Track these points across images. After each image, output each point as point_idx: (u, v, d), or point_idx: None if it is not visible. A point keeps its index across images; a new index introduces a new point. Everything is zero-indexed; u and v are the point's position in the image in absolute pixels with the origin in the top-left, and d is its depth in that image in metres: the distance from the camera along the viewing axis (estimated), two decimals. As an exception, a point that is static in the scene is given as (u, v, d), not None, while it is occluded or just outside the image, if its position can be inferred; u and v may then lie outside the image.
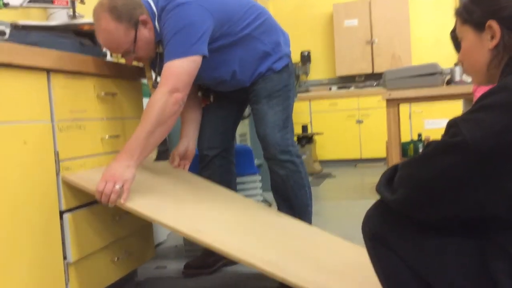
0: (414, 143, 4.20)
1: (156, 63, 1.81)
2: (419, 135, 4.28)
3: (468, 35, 1.05)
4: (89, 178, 1.51)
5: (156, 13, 1.72)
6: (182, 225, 1.46)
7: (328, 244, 1.79)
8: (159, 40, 1.73)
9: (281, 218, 1.88)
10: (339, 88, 6.18)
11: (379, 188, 1.03)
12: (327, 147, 5.82)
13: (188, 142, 2.00)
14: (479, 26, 1.01)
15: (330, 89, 6.21)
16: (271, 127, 1.89)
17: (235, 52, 1.84)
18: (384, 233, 1.04)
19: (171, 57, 1.61)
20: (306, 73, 6.31)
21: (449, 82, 3.66)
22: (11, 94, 1.29)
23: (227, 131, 2.09)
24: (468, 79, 3.81)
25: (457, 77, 3.74)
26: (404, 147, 4.18)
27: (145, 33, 1.71)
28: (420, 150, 4.16)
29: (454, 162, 0.88)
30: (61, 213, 1.45)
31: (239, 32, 1.83)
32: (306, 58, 6.22)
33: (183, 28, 1.62)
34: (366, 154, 5.76)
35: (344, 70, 6.08)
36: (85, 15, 2.00)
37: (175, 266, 2.18)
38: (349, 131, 5.80)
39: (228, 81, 1.90)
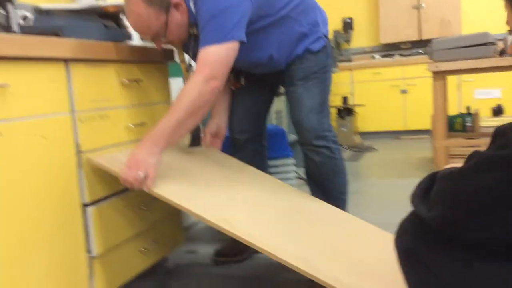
0: (462, 116, 3.97)
1: (190, 45, 1.72)
2: (468, 108, 4.04)
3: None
4: (115, 160, 1.48)
5: None
6: (210, 214, 1.41)
7: (365, 236, 1.70)
8: (194, 22, 1.64)
9: (316, 205, 1.78)
10: (383, 56, 5.92)
11: (414, 200, 0.93)
12: (369, 118, 5.63)
13: (220, 121, 1.93)
14: None
15: (373, 57, 5.95)
16: (306, 111, 1.79)
17: (272, 34, 1.74)
18: (419, 251, 0.94)
19: (208, 43, 1.51)
20: (348, 41, 6.07)
21: (502, 52, 3.40)
22: (27, 88, 1.24)
23: (259, 114, 2.00)
24: (523, 49, 3.53)
25: (512, 47, 3.47)
26: (451, 121, 3.97)
27: (177, 17, 1.61)
28: (468, 124, 3.95)
29: (501, 178, 0.76)
30: (84, 206, 1.43)
31: (277, 13, 1.72)
32: (348, 25, 5.97)
33: (220, 13, 1.52)
34: (411, 126, 5.54)
35: (388, 37, 5.79)
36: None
37: (206, 251, 2.15)
38: (393, 101, 5.57)
39: (264, 64, 1.81)
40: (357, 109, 5.36)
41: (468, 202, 0.80)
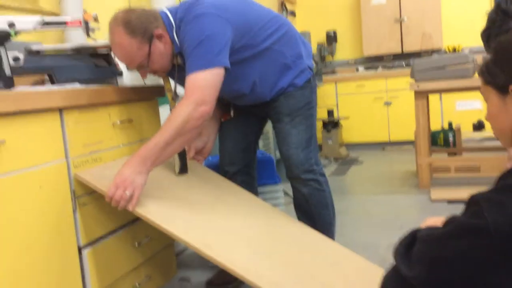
0: (444, 132, 4.07)
1: (174, 74, 1.77)
2: (450, 124, 4.14)
3: (492, 97, 0.98)
4: (101, 177, 1.50)
5: (174, 25, 1.67)
6: (192, 238, 1.44)
7: (346, 266, 1.74)
8: (178, 52, 1.69)
9: (301, 230, 1.83)
10: (366, 68, 6.01)
11: (396, 257, 0.99)
12: (353, 130, 5.71)
13: (208, 139, 1.97)
14: (502, 89, 0.95)
15: (357, 70, 6.04)
16: (294, 148, 1.85)
17: (255, 65, 1.79)
18: None
19: (194, 69, 1.56)
20: (332, 53, 6.15)
21: (482, 70, 3.51)
22: (23, 141, 1.28)
23: (248, 146, 2.05)
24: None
25: (490, 65, 3.57)
26: (433, 136, 4.07)
27: (160, 47, 1.66)
28: (450, 140, 4.05)
29: (474, 245, 0.85)
30: (80, 249, 1.46)
31: (259, 44, 1.77)
32: (332, 38, 6.05)
33: (204, 40, 1.58)
34: (394, 137, 5.63)
35: (371, 49, 5.89)
36: (100, 29, 1.96)
37: (199, 279, 2.18)
38: (377, 113, 5.66)
39: (247, 94, 1.85)
40: (342, 122, 5.45)
41: (445, 265, 0.88)
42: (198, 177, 1.86)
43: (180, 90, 1.83)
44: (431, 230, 0.95)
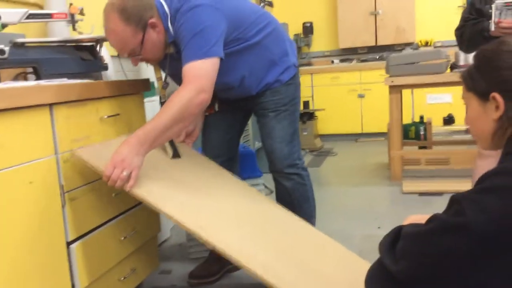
0: (416, 125, 4.20)
1: (166, 64, 1.78)
2: (421, 118, 4.27)
3: (473, 102, 1.03)
4: (98, 156, 1.52)
5: (169, 14, 1.68)
6: (186, 219, 1.47)
7: (335, 254, 1.79)
8: (172, 41, 1.70)
9: (287, 216, 1.86)
10: (342, 60, 6.11)
11: (382, 252, 1.05)
12: (328, 121, 5.81)
13: (198, 122, 2.00)
14: (483, 96, 1.00)
15: (332, 62, 6.13)
16: (278, 142, 1.90)
17: (245, 58, 1.83)
18: None
19: (192, 59, 1.59)
20: (308, 45, 6.21)
21: (453, 66, 3.62)
22: (14, 138, 1.28)
23: (232, 140, 2.09)
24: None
25: (461, 61, 3.69)
26: (405, 129, 4.18)
27: (153, 36, 1.68)
28: (421, 133, 4.17)
29: (456, 242, 0.90)
30: (68, 244, 1.48)
31: (250, 38, 1.81)
32: (308, 30, 6.10)
33: (201, 31, 1.61)
34: (367, 129, 5.76)
35: (347, 42, 5.98)
36: (86, 21, 1.95)
37: (180, 271, 2.23)
38: (351, 105, 5.77)
39: (236, 87, 1.89)
40: (317, 113, 5.53)
41: (428, 261, 0.94)
42: (189, 160, 1.87)
43: (170, 80, 1.85)
44: (415, 227, 1.01)
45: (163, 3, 1.70)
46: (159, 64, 1.84)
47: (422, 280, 0.97)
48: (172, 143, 1.82)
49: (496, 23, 2.09)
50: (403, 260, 0.97)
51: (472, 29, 2.60)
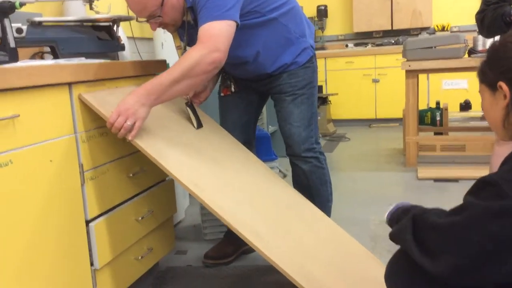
0: (432, 111, 4.15)
1: (184, 32, 1.77)
2: (437, 103, 4.22)
3: (485, 94, 1.08)
4: (105, 102, 1.51)
5: None
6: (182, 175, 1.47)
7: (338, 241, 1.78)
8: (190, 6, 1.68)
9: (285, 188, 1.86)
10: (356, 45, 6.04)
11: (410, 249, 0.98)
12: (341, 106, 5.77)
13: (209, 84, 1.97)
14: (492, 86, 1.05)
15: (346, 46, 6.06)
16: (296, 126, 1.88)
17: (260, 33, 1.80)
18: None
19: (208, 19, 1.56)
20: (322, 29, 6.15)
21: (471, 51, 3.55)
22: (35, 116, 1.28)
23: (248, 123, 2.08)
24: (491, 47, 3.69)
25: (480, 46, 3.62)
26: (421, 115, 4.14)
27: (173, 0, 1.66)
28: (437, 119, 4.12)
29: (502, 226, 0.86)
30: (87, 222, 1.49)
31: (267, 13, 1.79)
32: (322, 13, 6.03)
33: None
34: (381, 114, 5.72)
35: (361, 26, 5.90)
36: (102, 1, 1.95)
37: (195, 252, 2.24)
38: (365, 90, 5.72)
39: (250, 62, 1.86)
40: (330, 98, 5.49)
41: (477, 249, 0.88)
42: (209, 130, 1.86)
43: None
44: (446, 216, 0.95)
45: None
46: (177, 32, 1.82)
47: (469, 274, 0.90)
48: (195, 113, 1.80)
49: None
50: (445, 254, 0.91)
51: (494, 13, 2.54)
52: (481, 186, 0.92)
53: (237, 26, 1.61)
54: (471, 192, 0.94)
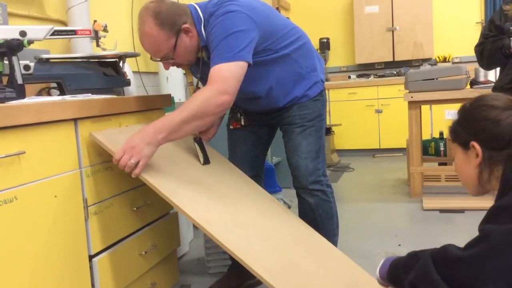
0: (435, 141, 4.15)
1: (197, 68, 1.80)
2: (441, 133, 4.22)
3: (458, 152, 1.16)
4: (114, 139, 1.53)
5: (203, 19, 1.71)
6: (194, 213, 1.47)
7: (331, 260, 1.75)
8: (204, 45, 1.72)
9: (296, 222, 1.85)
10: (358, 76, 6.10)
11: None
12: (345, 136, 5.79)
13: (215, 121, 1.97)
14: (465, 146, 1.13)
15: (349, 77, 6.12)
16: (304, 158, 1.89)
17: (274, 69, 1.83)
18: None
19: (219, 61, 1.60)
20: (325, 60, 6.22)
21: (473, 83, 3.58)
22: (41, 152, 1.30)
23: (257, 156, 2.09)
24: (492, 78, 3.73)
25: (481, 77, 3.66)
26: (424, 145, 4.14)
27: (186, 41, 1.70)
28: (441, 149, 4.12)
29: None
30: (90, 258, 1.49)
31: (280, 50, 1.82)
32: (325, 45, 6.12)
33: (232, 34, 1.61)
34: (385, 144, 5.72)
35: (363, 58, 5.97)
36: (109, 38, 1.99)
37: (199, 285, 2.21)
38: (368, 121, 5.74)
39: (263, 98, 1.89)
40: (334, 128, 5.51)
41: (508, 277, 0.87)
42: (216, 165, 1.87)
43: (201, 85, 1.85)
44: (467, 249, 0.93)
45: (197, 8, 1.72)
46: (191, 69, 1.86)
47: None
48: (203, 149, 1.82)
49: None
50: (486, 285, 0.89)
51: (492, 46, 2.58)
52: (497, 212, 0.94)
53: (249, 65, 1.64)
54: (487, 221, 0.95)
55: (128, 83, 1.93)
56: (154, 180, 1.49)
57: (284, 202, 2.98)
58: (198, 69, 1.79)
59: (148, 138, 1.48)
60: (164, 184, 1.51)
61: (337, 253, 1.83)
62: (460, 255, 0.93)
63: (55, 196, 1.34)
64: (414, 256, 1.06)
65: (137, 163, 1.45)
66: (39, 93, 1.95)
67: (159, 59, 1.71)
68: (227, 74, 1.58)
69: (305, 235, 1.82)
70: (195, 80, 1.86)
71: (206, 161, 1.82)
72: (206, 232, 1.44)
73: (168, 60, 1.71)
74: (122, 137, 1.54)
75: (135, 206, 1.69)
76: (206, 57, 1.75)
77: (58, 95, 1.76)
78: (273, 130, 2.11)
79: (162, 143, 1.52)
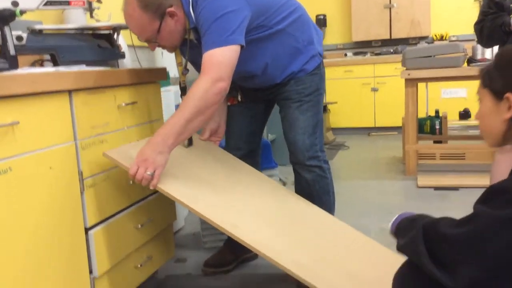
0: (431, 119, 4.15)
1: (186, 49, 1.77)
2: (437, 112, 4.22)
3: (487, 99, 1.04)
4: (126, 155, 1.55)
5: (191, 0, 1.66)
6: (218, 218, 1.49)
7: (362, 248, 1.77)
8: (192, 27, 1.69)
9: (310, 209, 1.86)
10: (355, 54, 6.06)
11: (420, 259, 0.95)
12: (341, 115, 5.78)
13: (220, 119, 1.99)
14: (498, 95, 1.00)
15: (345, 55, 6.08)
16: (301, 133, 1.88)
17: (268, 46, 1.80)
18: None
19: (211, 46, 1.57)
20: (321, 38, 6.17)
21: (470, 60, 3.56)
22: (35, 123, 1.28)
23: (254, 132, 2.08)
24: (489, 56, 3.71)
25: (479, 55, 3.64)
26: (420, 123, 4.14)
27: (171, 25, 1.66)
28: (437, 127, 4.12)
29: None
30: (86, 230, 1.48)
31: (274, 26, 1.78)
32: (321, 22, 6.06)
33: (222, 16, 1.58)
34: (380, 123, 5.72)
35: (360, 35, 5.93)
36: (103, 9, 1.95)
37: (195, 260, 2.23)
38: (364, 99, 5.74)
39: (259, 76, 1.86)
40: (329, 106, 5.50)
41: (496, 260, 0.86)
42: (213, 156, 1.89)
43: (190, 66, 1.84)
44: (457, 227, 0.92)
45: None
46: (180, 49, 1.83)
47: (482, 284, 0.88)
48: None
49: None
50: (461, 268, 0.89)
51: (492, 23, 2.56)
52: (491, 195, 0.91)
53: (243, 47, 1.61)
54: (481, 201, 0.93)
55: (122, 55, 1.90)
56: (172, 190, 1.50)
57: (280, 179, 2.99)
58: (186, 51, 1.76)
59: (159, 147, 1.48)
60: (183, 192, 1.53)
61: (347, 228, 1.83)
62: (446, 233, 0.93)
63: (50, 168, 1.33)
64: (413, 221, 1.05)
65: (152, 174, 1.46)
66: (32, 65, 1.92)
67: (144, 41, 1.69)
68: (221, 60, 1.56)
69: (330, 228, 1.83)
70: (183, 60, 1.84)
71: (190, 142, 1.82)
72: (234, 237, 1.46)
73: (153, 42, 1.69)
74: (134, 152, 1.53)
75: (131, 179, 1.68)
76: (195, 39, 1.72)
77: (52, 67, 1.73)
78: (270, 105, 2.09)
79: (174, 147, 1.53)
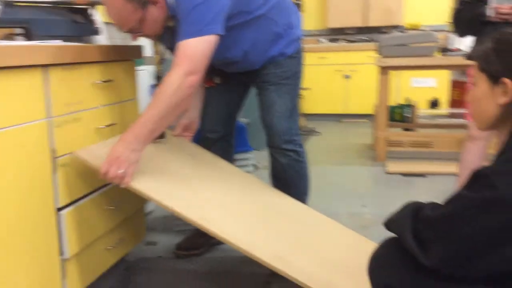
0: (402, 107, 4.22)
1: (165, 38, 1.73)
2: (407, 100, 4.29)
3: (482, 83, 1.02)
4: (96, 155, 1.52)
5: None
6: (191, 212, 1.49)
7: (330, 231, 1.82)
8: (172, 14, 1.64)
9: (283, 199, 1.89)
10: (330, 40, 6.07)
11: (404, 235, 0.98)
12: (313, 101, 5.80)
13: (193, 115, 1.98)
14: (494, 79, 0.99)
15: (319, 41, 6.09)
16: (278, 117, 1.87)
17: (248, 32, 1.78)
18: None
19: (186, 36, 1.53)
20: (296, 23, 6.15)
21: (445, 50, 3.63)
22: (7, 97, 1.23)
23: (230, 114, 2.06)
24: (462, 46, 3.79)
25: (452, 45, 3.71)
26: (391, 111, 4.20)
27: (154, 13, 1.62)
28: (407, 115, 4.20)
29: (491, 218, 0.87)
30: (58, 210, 1.44)
31: (253, 11, 1.76)
32: (297, 8, 6.04)
33: (200, 5, 1.53)
34: (351, 110, 5.78)
35: (336, 22, 5.94)
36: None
37: (165, 242, 2.21)
38: (336, 86, 5.78)
39: (239, 62, 1.85)
40: (302, 92, 5.51)
41: (467, 241, 0.89)
42: (185, 152, 1.88)
43: (168, 54, 1.80)
44: (437, 209, 0.95)
45: None
46: (161, 38, 1.78)
47: (459, 265, 0.91)
48: None
49: (495, 9, 2.08)
50: (437, 246, 0.91)
51: (469, 13, 2.59)
52: (473, 179, 0.93)
53: (220, 36, 1.58)
54: (466, 185, 0.94)
55: (97, 31, 1.84)
56: (145, 188, 1.49)
57: (253, 165, 2.99)
58: (165, 39, 1.72)
59: (132, 145, 1.45)
60: (156, 190, 1.51)
61: (322, 217, 1.87)
62: (428, 214, 0.96)
63: (22, 146, 1.28)
64: (405, 206, 1.06)
65: (125, 173, 1.43)
66: (5, 39, 1.84)
67: (125, 31, 1.64)
68: (194, 51, 1.52)
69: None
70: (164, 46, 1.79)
71: (161, 135, 1.80)
72: (209, 232, 1.46)
73: (136, 32, 1.64)
74: (105, 151, 1.50)
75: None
76: (174, 25, 1.67)
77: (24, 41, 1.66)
78: (247, 88, 2.08)
79: (147, 144, 1.50)
